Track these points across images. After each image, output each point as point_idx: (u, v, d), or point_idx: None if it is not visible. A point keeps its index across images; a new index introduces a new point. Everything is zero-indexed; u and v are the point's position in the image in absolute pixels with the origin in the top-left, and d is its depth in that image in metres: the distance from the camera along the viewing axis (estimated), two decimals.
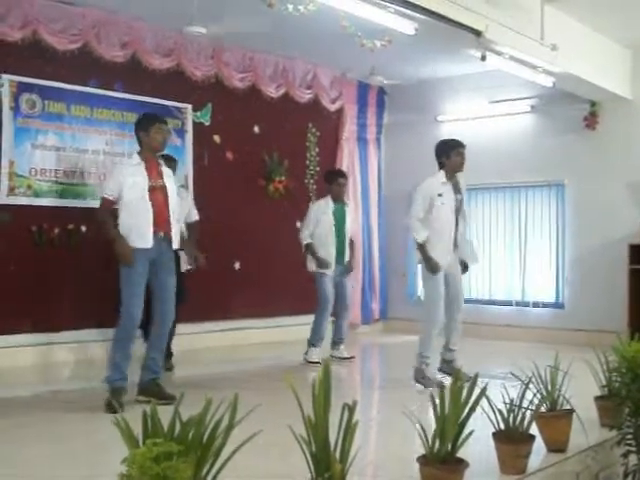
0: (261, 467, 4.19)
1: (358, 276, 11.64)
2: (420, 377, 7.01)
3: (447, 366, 7.25)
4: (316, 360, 8.30)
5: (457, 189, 7.24)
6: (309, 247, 8.53)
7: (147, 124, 6.19)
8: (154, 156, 6.22)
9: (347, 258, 8.74)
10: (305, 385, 2.98)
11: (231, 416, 2.67)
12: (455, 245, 7.17)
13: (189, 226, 7.19)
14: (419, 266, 7.51)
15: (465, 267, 7.46)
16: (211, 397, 2.73)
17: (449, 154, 7.22)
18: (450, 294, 7.18)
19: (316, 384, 2.96)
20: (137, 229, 5.99)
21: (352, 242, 8.93)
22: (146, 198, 6.01)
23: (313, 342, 8.51)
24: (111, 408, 5.52)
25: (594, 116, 10.48)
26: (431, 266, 6.97)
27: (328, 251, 8.51)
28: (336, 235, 8.58)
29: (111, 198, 6.05)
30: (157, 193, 6.09)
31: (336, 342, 8.79)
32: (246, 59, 10.09)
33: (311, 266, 8.56)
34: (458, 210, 7.19)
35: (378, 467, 4.49)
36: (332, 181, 8.74)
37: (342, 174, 9.03)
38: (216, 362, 8.64)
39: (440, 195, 7.06)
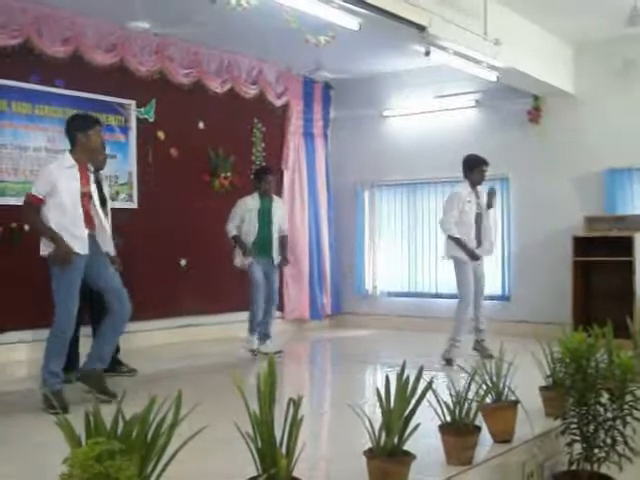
0: (207, 464, 4.16)
1: (305, 272, 11.64)
2: (447, 357, 7.90)
3: (479, 345, 8.36)
4: (254, 347, 8.62)
5: (477, 196, 8.43)
6: (236, 239, 8.67)
7: (86, 125, 6.05)
8: (86, 159, 6.08)
9: (276, 255, 8.77)
10: (252, 381, 2.97)
11: (175, 413, 2.65)
12: (478, 242, 8.35)
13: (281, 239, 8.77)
14: (450, 261, 8.42)
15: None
16: (155, 395, 2.71)
17: (473, 170, 8.49)
18: (477, 284, 8.39)
19: (261, 379, 2.95)
20: (71, 232, 5.86)
21: (284, 238, 8.94)
22: (79, 203, 5.90)
23: (251, 330, 8.69)
24: (53, 409, 5.32)
25: (537, 110, 10.61)
26: (471, 254, 8.17)
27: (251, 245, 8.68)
28: (260, 231, 8.67)
29: (40, 197, 5.85)
30: (86, 199, 6.00)
31: (262, 337, 8.74)
32: (191, 54, 10.01)
33: (238, 261, 8.70)
34: (479, 214, 8.37)
35: (328, 462, 4.50)
36: (261, 177, 8.85)
37: (269, 171, 9.11)
38: (163, 360, 8.55)
39: (469, 202, 8.28)
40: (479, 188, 8.51)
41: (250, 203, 8.73)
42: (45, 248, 5.89)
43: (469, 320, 8.36)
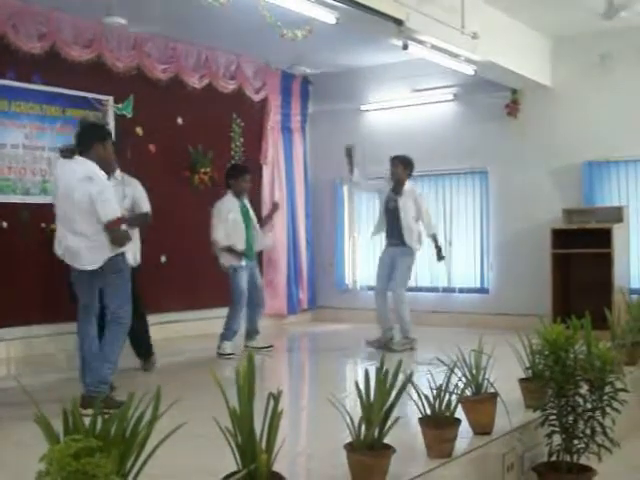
0: (186, 459, 4.15)
1: (283, 267, 11.64)
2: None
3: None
4: (229, 352, 8.28)
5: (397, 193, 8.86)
6: (229, 249, 8.40)
7: (104, 135, 6.17)
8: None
9: (256, 249, 8.76)
10: (231, 376, 2.96)
11: (154, 409, 2.65)
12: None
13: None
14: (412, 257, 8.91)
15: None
16: (134, 391, 2.70)
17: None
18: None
19: (240, 375, 2.95)
20: None
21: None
22: None
23: (227, 336, 8.39)
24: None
25: (515, 104, 10.65)
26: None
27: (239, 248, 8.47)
28: (245, 231, 8.53)
29: None
30: None
31: (251, 333, 8.68)
32: (168, 50, 9.96)
33: (226, 260, 8.44)
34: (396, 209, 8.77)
35: (309, 456, 4.50)
36: (238, 176, 8.62)
37: (248, 170, 8.91)
38: None
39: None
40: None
41: (231, 207, 8.49)
42: None
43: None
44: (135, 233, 7.07)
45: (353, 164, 8.74)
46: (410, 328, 8.75)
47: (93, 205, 5.64)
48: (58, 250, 5.86)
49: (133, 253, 7.22)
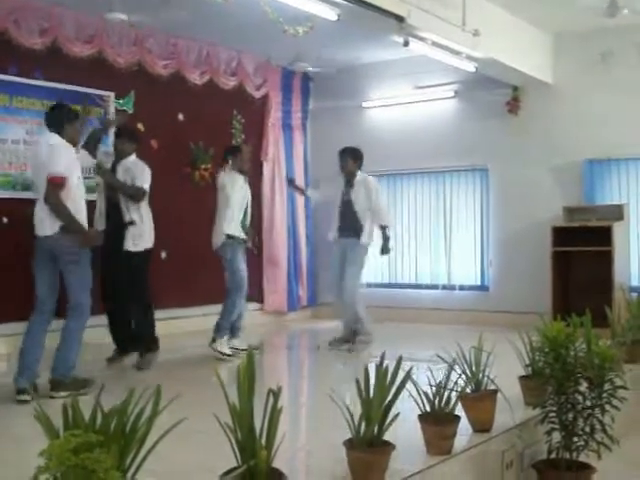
0: (186, 455, 4.16)
1: (283, 264, 11.65)
2: None
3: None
4: (226, 351, 7.97)
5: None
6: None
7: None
8: None
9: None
10: (231, 373, 2.97)
11: (154, 405, 2.65)
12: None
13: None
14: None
15: None
16: (134, 386, 2.70)
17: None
18: None
19: (240, 371, 2.95)
20: None
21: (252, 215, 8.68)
22: None
23: (225, 329, 8.08)
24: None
25: (516, 101, 10.64)
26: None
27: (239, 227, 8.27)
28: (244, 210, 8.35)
29: None
30: None
31: (237, 332, 8.39)
32: (169, 45, 9.95)
33: (219, 239, 8.20)
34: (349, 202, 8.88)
35: (309, 453, 4.51)
36: (237, 151, 8.44)
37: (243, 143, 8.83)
38: None
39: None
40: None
41: (241, 181, 8.26)
42: None
43: None
44: (144, 216, 7.43)
45: (302, 189, 8.71)
46: (365, 325, 8.68)
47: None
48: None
49: (133, 236, 7.30)
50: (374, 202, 8.78)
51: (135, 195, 7.36)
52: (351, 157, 8.85)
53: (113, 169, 7.57)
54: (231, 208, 8.14)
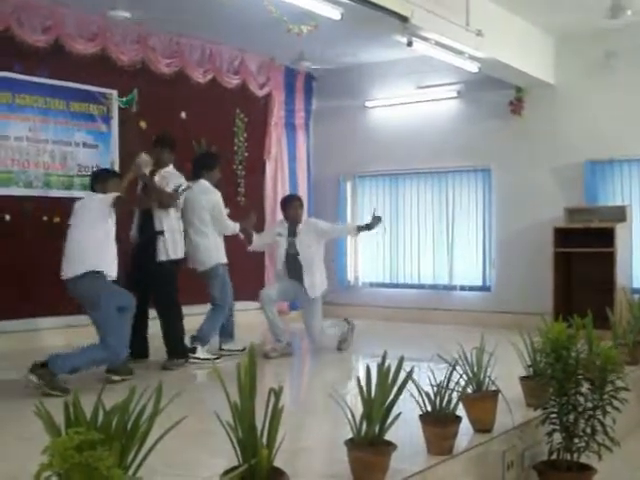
0: (188, 454, 4.16)
1: None
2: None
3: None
4: (209, 356, 7.56)
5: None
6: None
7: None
8: None
9: None
10: (232, 372, 2.96)
11: (155, 403, 2.65)
12: None
13: None
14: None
15: None
16: (135, 385, 2.70)
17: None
18: None
19: (241, 370, 2.95)
20: None
21: None
22: None
23: (208, 339, 7.76)
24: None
25: (519, 101, 10.63)
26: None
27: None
28: None
29: None
30: None
31: (229, 335, 8.30)
32: (172, 44, 9.96)
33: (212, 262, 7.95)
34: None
35: (310, 452, 4.50)
36: (215, 166, 8.15)
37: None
38: None
39: None
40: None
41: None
42: None
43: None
44: (175, 226, 7.46)
45: (247, 236, 8.30)
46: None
47: None
48: None
49: (164, 246, 7.36)
50: (324, 226, 8.55)
51: (168, 199, 7.24)
52: (301, 205, 8.57)
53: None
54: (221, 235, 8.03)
